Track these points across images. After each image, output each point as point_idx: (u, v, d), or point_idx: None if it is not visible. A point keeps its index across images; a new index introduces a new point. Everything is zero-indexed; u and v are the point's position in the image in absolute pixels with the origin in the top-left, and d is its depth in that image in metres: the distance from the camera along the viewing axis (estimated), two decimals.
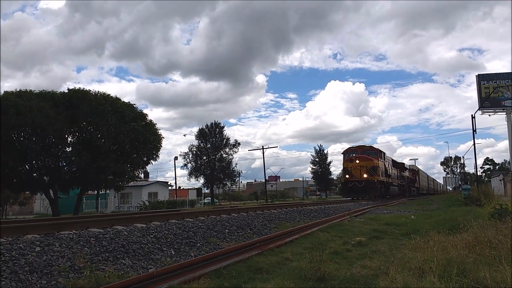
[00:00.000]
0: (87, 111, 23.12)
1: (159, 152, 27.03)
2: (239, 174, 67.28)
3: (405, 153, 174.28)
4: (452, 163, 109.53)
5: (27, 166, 23.53)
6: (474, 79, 45.87)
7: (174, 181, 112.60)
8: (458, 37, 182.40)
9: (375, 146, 34.67)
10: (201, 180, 60.35)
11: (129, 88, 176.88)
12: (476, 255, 5.24)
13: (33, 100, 21.78)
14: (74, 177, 24.46)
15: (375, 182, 29.44)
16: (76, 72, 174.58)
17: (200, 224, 8.95)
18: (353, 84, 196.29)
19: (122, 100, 25.96)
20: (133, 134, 24.20)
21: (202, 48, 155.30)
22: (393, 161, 38.79)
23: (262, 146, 57.47)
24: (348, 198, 30.45)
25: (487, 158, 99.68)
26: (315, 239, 8.58)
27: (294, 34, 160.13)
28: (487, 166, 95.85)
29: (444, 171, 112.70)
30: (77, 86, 35.07)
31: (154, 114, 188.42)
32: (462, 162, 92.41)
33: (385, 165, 33.43)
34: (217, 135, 59.54)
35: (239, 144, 60.76)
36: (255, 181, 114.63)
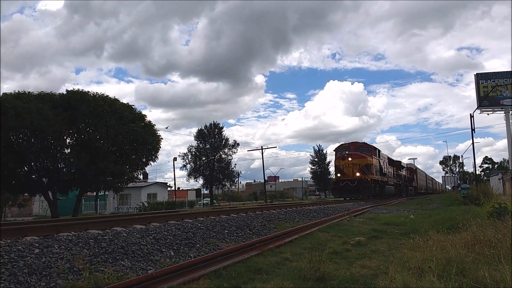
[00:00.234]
0: (85, 113, 23.10)
1: (158, 153, 27.04)
2: (238, 174, 67.13)
3: (404, 152, 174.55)
4: (451, 162, 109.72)
5: (26, 168, 23.50)
6: (473, 78, 46.05)
7: (173, 182, 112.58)
8: (457, 36, 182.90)
9: (375, 145, 33.51)
10: (200, 181, 60.44)
11: (128, 89, 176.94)
12: (475, 254, 5.25)
13: (32, 101, 21.77)
14: (73, 178, 24.42)
15: (369, 181, 27.70)
16: (75, 73, 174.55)
17: (199, 225, 8.94)
18: (352, 84, 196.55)
19: (121, 101, 25.97)
20: (132, 135, 24.18)
21: (201, 48, 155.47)
22: (389, 159, 37.44)
23: (261, 147, 57.54)
24: (340, 199, 28.60)
25: (486, 157, 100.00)
26: (315, 239, 8.58)
27: (293, 34, 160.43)
28: (486, 165, 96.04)
29: (443, 170, 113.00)
30: (76, 87, 35.07)
31: (153, 115, 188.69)
32: (461, 161, 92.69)
33: (380, 163, 31.84)
34: (216, 136, 59.58)
35: (238, 144, 60.86)
36: (254, 181, 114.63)
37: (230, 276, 5.29)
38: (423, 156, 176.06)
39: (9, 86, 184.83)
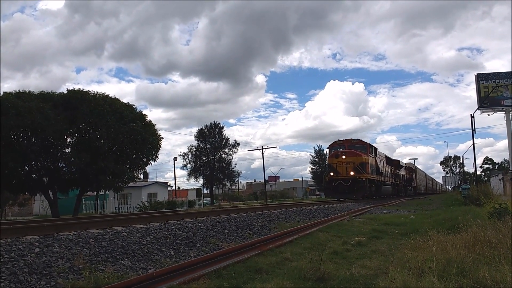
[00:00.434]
0: (86, 112, 23.11)
1: (158, 153, 27.06)
2: (239, 174, 67.28)
3: (404, 152, 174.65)
4: (452, 162, 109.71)
5: (26, 167, 23.52)
6: (473, 79, 45.98)
7: (174, 181, 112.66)
8: (457, 37, 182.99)
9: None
10: (201, 181, 60.51)
11: (129, 89, 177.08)
12: (475, 255, 5.24)
13: (33, 101, 21.78)
14: (73, 178, 24.44)
15: (364, 180, 25.95)
16: (76, 73, 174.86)
17: (199, 224, 8.94)
18: (353, 84, 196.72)
19: (122, 100, 25.99)
20: (132, 135, 24.19)
21: (202, 48, 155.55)
22: (386, 157, 36.00)
23: (262, 146, 57.49)
24: (333, 199, 26.96)
25: (487, 157, 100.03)
26: (315, 239, 8.58)
27: (294, 34, 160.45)
28: (487, 166, 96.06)
29: (444, 170, 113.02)
30: (77, 87, 34.95)
31: (153, 114, 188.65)
32: (461, 161, 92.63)
33: (376, 161, 30.15)
34: (217, 136, 59.63)
35: (238, 144, 60.92)
36: (254, 181, 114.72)
37: (230, 276, 5.29)
38: (424, 157, 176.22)
39: (9, 86, 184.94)
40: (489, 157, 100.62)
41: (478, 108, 40.50)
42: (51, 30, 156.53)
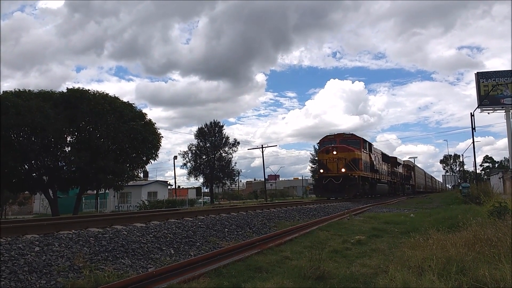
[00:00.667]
0: (86, 111, 23.13)
1: (158, 152, 27.10)
2: (239, 173, 67.40)
3: (404, 151, 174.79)
4: (452, 161, 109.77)
5: (26, 166, 23.54)
6: (473, 77, 45.98)
7: (174, 180, 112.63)
8: (458, 35, 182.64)
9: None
10: (201, 179, 60.52)
11: (129, 88, 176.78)
12: (475, 253, 5.25)
13: (33, 100, 21.79)
14: (73, 176, 24.47)
15: (356, 178, 24.04)
16: (76, 71, 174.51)
17: (199, 223, 8.94)
18: (353, 82, 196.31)
19: (122, 99, 26.02)
20: (132, 134, 24.21)
21: (202, 47, 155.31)
22: (383, 154, 34.02)
23: (262, 145, 57.45)
24: (323, 198, 25.03)
25: (486, 156, 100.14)
26: (315, 238, 8.58)
27: (294, 33, 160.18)
28: (486, 164, 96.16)
29: (444, 169, 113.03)
30: (77, 85, 35.12)
31: (153, 113, 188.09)
32: (461, 160, 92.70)
33: (370, 157, 28.31)
34: (217, 134, 59.67)
35: (238, 143, 60.97)
36: (254, 180, 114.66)
37: (230, 274, 5.30)
38: (424, 155, 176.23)
39: (9, 84, 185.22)
40: (489, 156, 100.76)
41: (478, 107, 40.54)
42: (51, 29, 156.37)
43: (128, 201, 42.02)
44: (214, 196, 61.30)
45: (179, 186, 71.48)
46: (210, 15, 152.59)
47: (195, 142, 59.74)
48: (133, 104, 26.54)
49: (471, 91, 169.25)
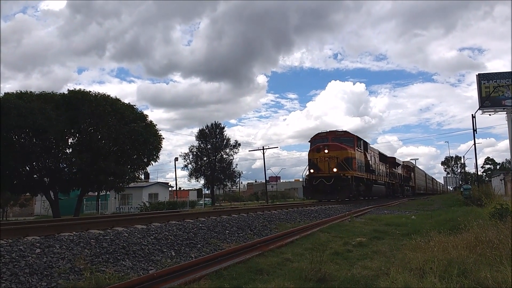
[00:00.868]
0: (87, 112, 23.16)
1: (159, 153, 27.12)
2: (240, 174, 67.41)
3: (405, 153, 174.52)
4: (453, 163, 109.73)
5: (27, 168, 23.56)
6: (475, 79, 45.90)
7: (175, 182, 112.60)
8: (459, 37, 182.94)
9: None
10: (202, 181, 60.52)
11: (130, 89, 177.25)
12: (477, 256, 5.23)
13: (34, 101, 21.83)
14: (74, 178, 24.49)
15: (349, 178, 22.17)
16: (77, 73, 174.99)
17: (200, 225, 8.93)
18: (354, 84, 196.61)
19: (123, 101, 26.06)
20: (133, 135, 24.23)
21: (203, 48, 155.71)
22: (380, 154, 32.24)
23: (263, 147, 57.49)
24: (314, 200, 23.26)
25: (488, 157, 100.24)
26: (316, 240, 8.57)
27: (295, 35, 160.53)
28: (488, 166, 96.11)
29: (445, 171, 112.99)
30: (78, 87, 35.12)
31: (155, 115, 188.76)
32: (462, 162, 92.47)
33: (366, 157, 26.50)
34: (218, 136, 59.70)
35: (239, 144, 61.00)
36: (255, 181, 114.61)
37: (231, 276, 5.29)
38: (425, 157, 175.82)
39: (11, 86, 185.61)
40: (491, 157, 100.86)
41: (479, 108, 40.49)
42: (53, 30, 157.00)
43: (129, 203, 41.99)
44: (215, 197, 61.27)
45: (180, 188, 71.46)
46: (211, 16, 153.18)
47: (196, 143, 59.84)
48: (135, 105, 26.63)
49: (473, 92, 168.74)
